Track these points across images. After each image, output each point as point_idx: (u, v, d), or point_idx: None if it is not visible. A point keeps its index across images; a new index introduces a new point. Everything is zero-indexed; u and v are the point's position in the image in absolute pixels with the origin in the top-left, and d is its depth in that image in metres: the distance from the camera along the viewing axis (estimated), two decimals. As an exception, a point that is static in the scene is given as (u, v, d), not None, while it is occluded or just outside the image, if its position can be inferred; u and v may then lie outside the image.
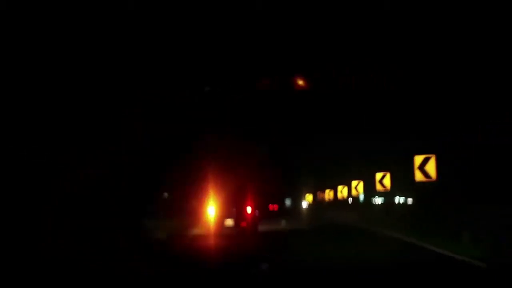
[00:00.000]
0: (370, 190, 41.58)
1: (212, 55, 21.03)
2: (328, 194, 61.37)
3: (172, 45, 20.51)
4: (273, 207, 45.42)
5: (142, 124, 22.02)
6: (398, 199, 54.80)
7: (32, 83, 18.49)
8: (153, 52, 20.48)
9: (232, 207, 26.94)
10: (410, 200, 50.01)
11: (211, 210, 26.15)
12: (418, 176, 22.54)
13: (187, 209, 28.24)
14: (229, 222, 27.31)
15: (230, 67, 22.17)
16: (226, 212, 27.01)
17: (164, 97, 21.92)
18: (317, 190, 68.12)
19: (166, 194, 31.00)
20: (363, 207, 45.82)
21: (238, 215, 26.86)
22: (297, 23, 20.44)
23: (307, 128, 34.61)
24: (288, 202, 57.48)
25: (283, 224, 29.97)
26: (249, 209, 26.73)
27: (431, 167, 22.13)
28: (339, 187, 51.53)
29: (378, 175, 30.10)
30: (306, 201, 68.02)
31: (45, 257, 14.25)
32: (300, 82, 23.29)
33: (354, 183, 40.76)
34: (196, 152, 26.70)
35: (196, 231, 26.02)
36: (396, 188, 43.67)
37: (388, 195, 48.70)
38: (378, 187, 29.57)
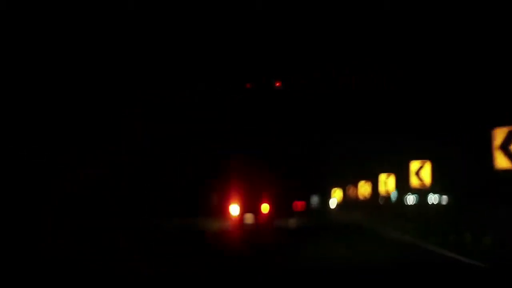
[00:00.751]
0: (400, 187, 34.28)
1: (213, 55, 21.04)
2: (364, 188, 46.63)
3: (171, 45, 20.51)
4: (299, 206, 37.14)
5: (142, 124, 22.02)
6: (432, 198, 44.26)
7: (32, 83, 18.50)
8: (153, 52, 20.48)
9: (253, 203, 25.36)
10: (444, 198, 42.32)
11: (233, 207, 24.61)
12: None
13: (212, 206, 26.73)
14: (250, 217, 25.57)
15: (230, 67, 22.18)
16: (247, 208, 25.40)
17: (164, 97, 21.93)
18: (349, 183, 53.21)
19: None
20: (395, 208, 36.61)
21: (256, 211, 25.50)
22: (298, 23, 20.44)
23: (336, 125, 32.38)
24: (315, 199, 45.53)
25: (291, 222, 27.11)
26: (265, 206, 25.31)
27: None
28: (382, 176, 37.39)
29: (500, 134, 16.34)
30: (335, 198, 54.34)
31: (45, 257, 14.25)
32: (278, 84, 23.15)
33: (414, 165, 24.85)
34: (220, 152, 26.19)
35: (218, 226, 24.83)
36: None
37: (421, 193, 40.99)
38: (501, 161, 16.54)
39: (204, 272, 12.77)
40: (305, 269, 13.15)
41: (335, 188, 54.28)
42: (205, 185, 26.49)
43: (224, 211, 24.69)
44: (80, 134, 19.94)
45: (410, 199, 42.03)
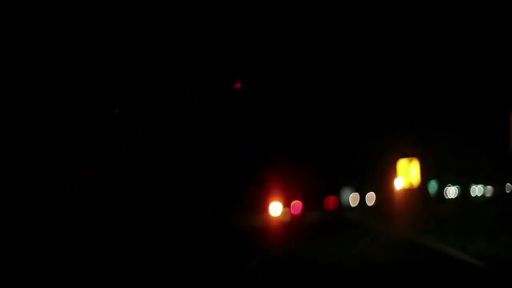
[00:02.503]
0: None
1: (213, 54, 21.04)
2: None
3: (172, 44, 20.51)
4: (330, 203, 29.15)
5: (142, 124, 22.02)
6: (476, 189, 35.09)
7: (32, 83, 18.50)
8: (153, 52, 20.49)
9: (286, 200, 23.68)
10: (489, 189, 33.65)
11: (273, 206, 22.46)
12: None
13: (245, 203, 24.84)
14: (284, 215, 23.49)
15: (229, 67, 22.18)
16: (283, 206, 23.69)
17: (164, 97, 21.92)
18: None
19: None
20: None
21: (289, 209, 23.93)
22: (298, 23, 20.45)
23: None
24: (348, 194, 33.23)
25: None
26: (295, 204, 23.70)
27: None
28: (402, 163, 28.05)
29: None
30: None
31: (45, 257, 14.24)
32: (237, 85, 23.02)
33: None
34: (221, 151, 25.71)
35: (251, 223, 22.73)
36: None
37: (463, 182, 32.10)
38: None
39: (205, 272, 12.74)
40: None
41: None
42: (235, 182, 24.94)
43: (260, 209, 22.85)
44: (80, 134, 19.93)
45: (451, 192, 34.28)
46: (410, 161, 31.34)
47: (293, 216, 22.74)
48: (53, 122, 19.19)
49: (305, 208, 23.13)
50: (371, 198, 36.53)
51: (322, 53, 21.89)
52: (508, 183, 25.55)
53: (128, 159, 21.66)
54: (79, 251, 15.56)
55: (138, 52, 20.21)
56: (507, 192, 26.28)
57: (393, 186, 35.99)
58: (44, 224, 17.39)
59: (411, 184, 32.36)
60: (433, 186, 32.12)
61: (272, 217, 22.01)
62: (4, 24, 17.38)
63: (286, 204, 22.54)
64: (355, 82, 22.68)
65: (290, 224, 22.23)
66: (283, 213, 22.15)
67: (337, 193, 30.82)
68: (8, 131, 18.00)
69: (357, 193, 35.37)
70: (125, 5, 18.85)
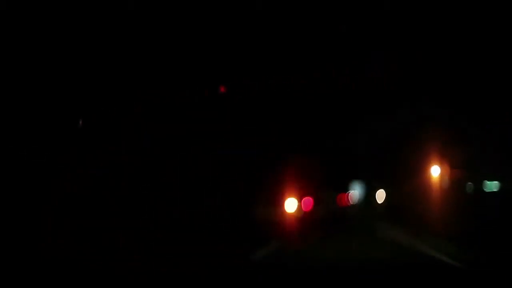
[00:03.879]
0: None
1: (213, 54, 21.04)
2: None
3: (172, 44, 20.52)
4: (342, 200, 27.82)
5: (142, 124, 22.02)
6: (490, 185, 31.62)
7: (32, 83, 18.49)
8: (153, 52, 20.49)
9: (302, 196, 23.27)
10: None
11: (289, 202, 22.18)
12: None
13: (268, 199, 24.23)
14: (297, 212, 23.41)
15: (229, 67, 22.18)
16: (299, 200, 23.31)
17: (164, 97, 21.92)
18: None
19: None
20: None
21: (300, 206, 23.65)
22: (298, 22, 20.46)
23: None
24: (357, 192, 29.94)
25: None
26: (306, 200, 23.47)
27: None
28: None
29: None
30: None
31: (45, 257, 14.23)
32: (222, 90, 23.01)
33: None
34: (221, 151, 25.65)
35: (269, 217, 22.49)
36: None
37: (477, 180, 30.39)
38: None
39: (205, 272, 12.73)
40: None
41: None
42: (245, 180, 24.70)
43: (275, 204, 22.71)
44: (80, 134, 19.94)
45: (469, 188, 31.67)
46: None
47: (304, 212, 22.66)
48: (53, 122, 19.19)
49: (316, 204, 23.11)
50: (380, 196, 35.02)
51: (322, 53, 21.90)
52: None
53: (128, 159, 21.65)
54: (79, 251, 15.55)
55: (138, 52, 20.21)
56: None
57: (406, 183, 32.89)
58: (44, 224, 17.38)
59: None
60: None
61: (287, 212, 21.96)
62: (4, 24, 17.38)
63: (300, 200, 22.53)
64: (356, 79, 22.68)
65: (302, 220, 22.07)
66: (297, 209, 22.16)
67: (347, 190, 30.69)
68: (8, 131, 18.00)
69: (366, 191, 34.21)
70: (125, 5, 18.85)
